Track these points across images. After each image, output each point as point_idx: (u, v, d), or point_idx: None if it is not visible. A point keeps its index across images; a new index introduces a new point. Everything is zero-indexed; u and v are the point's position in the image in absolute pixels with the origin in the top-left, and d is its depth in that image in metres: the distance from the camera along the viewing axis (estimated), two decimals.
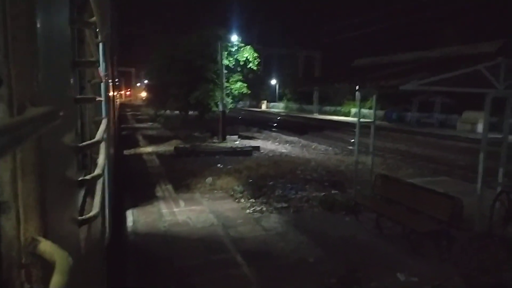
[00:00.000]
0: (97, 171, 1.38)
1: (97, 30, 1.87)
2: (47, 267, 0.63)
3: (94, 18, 1.57)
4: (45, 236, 0.69)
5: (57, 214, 0.85)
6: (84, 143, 1.40)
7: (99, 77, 2.02)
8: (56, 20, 0.90)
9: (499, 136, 6.97)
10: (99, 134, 1.55)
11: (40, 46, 0.72)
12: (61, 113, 0.66)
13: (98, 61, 2.21)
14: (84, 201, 1.55)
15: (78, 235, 1.15)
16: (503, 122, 6.88)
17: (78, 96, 1.51)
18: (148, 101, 28.36)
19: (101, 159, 1.50)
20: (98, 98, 1.90)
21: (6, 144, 0.44)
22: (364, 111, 28.50)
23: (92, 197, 1.46)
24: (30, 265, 0.67)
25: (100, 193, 1.45)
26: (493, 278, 5.03)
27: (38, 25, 0.71)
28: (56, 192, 0.85)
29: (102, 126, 1.70)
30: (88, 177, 1.36)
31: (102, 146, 1.65)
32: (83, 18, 1.60)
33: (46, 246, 0.65)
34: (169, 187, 9.96)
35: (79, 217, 1.19)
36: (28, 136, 0.58)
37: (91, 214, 1.24)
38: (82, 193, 1.56)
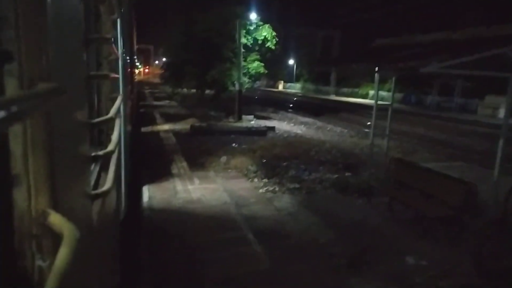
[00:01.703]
0: (110, 147, 1.41)
1: (113, 6, 1.89)
2: (58, 238, 0.65)
3: None
4: (56, 209, 0.71)
5: (68, 188, 0.87)
6: (96, 120, 1.43)
7: (114, 53, 2.04)
8: None
9: None
10: (112, 111, 1.59)
11: (51, 22, 0.72)
12: (67, 89, 0.67)
13: (113, 38, 2.23)
14: (99, 176, 1.60)
15: (91, 208, 1.19)
16: None
17: (91, 73, 1.54)
18: (165, 79, 28.45)
19: (114, 136, 1.53)
20: (112, 75, 1.92)
21: (10, 116, 0.45)
22: (383, 93, 27.91)
23: (107, 172, 1.51)
24: (40, 236, 0.69)
25: (113, 168, 1.49)
26: (504, 265, 5.00)
27: (49, 1, 0.71)
28: (67, 167, 0.87)
29: (117, 103, 1.73)
30: (101, 152, 1.39)
31: (117, 123, 1.68)
32: None
33: (55, 219, 0.67)
34: (184, 164, 10.11)
35: (92, 192, 1.23)
36: (33, 110, 0.59)
37: (104, 189, 1.28)
38: (97, 168, 1.62)
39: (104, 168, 1.62)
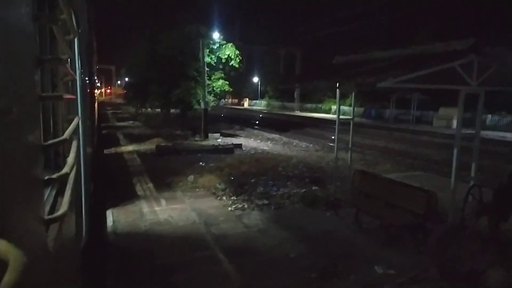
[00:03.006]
0: (65, 169, 1.36)
1: (69, 26, 1.85)
2: (5, 266, 0.61)
3: (63, 15, 1.55)
4: (2, 235, 0.67)
5: (17, 212, 0.83)
6: (49, 142, 1.38)
7: (70, 74, 1.99)
8: (15, 16, 0.87)
9: (473, 131, 7.19)
10: (67, 133, 1.53)
11: None
12: (14, 110, 0.64)
13: (70, 59, 2.17)
14: (55, 201, 1.53)
15: (44, 234, 1.13)
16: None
17: (44, 94, 1.49)
18: (129, 99, 27.91)
19: (70, 158, 1.47)
20: (67, 96, 1.87)
21: None
22: (345, 108, 28.93)
23: (63, 196, 1.45)
24: None
25: (70, 192, 1.43)
26: (467, 267, 5.21)
27: None
28: (15, 191, 0.83)
29: (72, 125, 1.68)
30: (54, 176, 1.33)
31: (74, 145, 1.62)
32: (54, 14, 1.57)
33: (1, 245, 0.63)
34: (151, 186, 9.87)
35: (46, 216, 1.17)
36: None
37: (59, 213, 1.22)
38: (53, 192, 1.54)
39: (62, 192, 1.56)
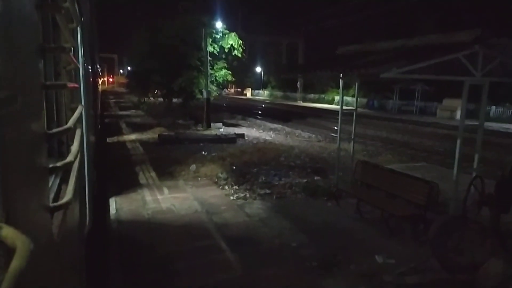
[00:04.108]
0: (69, 158, 1.37)
1: (72, 14, 1.84)
2: (13, 253, 0.62)
3: (66, 4, 1.55)
4: (9, 222, 0.68)
5: (23, 200, 0.84)
6: (53, 130, 1.38)
7: (73, 63, 1.99)
8: (18, 4, 0.87)
9: (477, 123, 7.16)
10: (71, 121, 1.54)
11: (1, 31, 0.70)
12: (19, 99, 0.65)
13: (73, 47, 2.17)
14: (59, 189, 1.54)
15: (50, 221, 1.15)
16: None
17: (47, 83, 1.49)
18: (131, 88, 27.87)
19: (74, 146, 1.49)
20: (71, 84, 1.88)
21: None
22: (348, 98, 28.84)
23: (68, 184, 1.46)
24: None
25: (74, 180, 1.44)
26: (467, 258, 5.24)
27: None
28: (20, 179, 0.84)
29: (76, 113, 1.69)
30: (59, 164, 1.34)
31: (77, 133, 1.63)
32: (57, 3, 1.57)
33: (8, 232, 0.64)
34: (153, 174, 9.92)
35: (51, 204, 1.19)
36: None
37: (64, 201, 1.24)
38: (57, 180, 1.56)
39: (66, 180, 1.57)
